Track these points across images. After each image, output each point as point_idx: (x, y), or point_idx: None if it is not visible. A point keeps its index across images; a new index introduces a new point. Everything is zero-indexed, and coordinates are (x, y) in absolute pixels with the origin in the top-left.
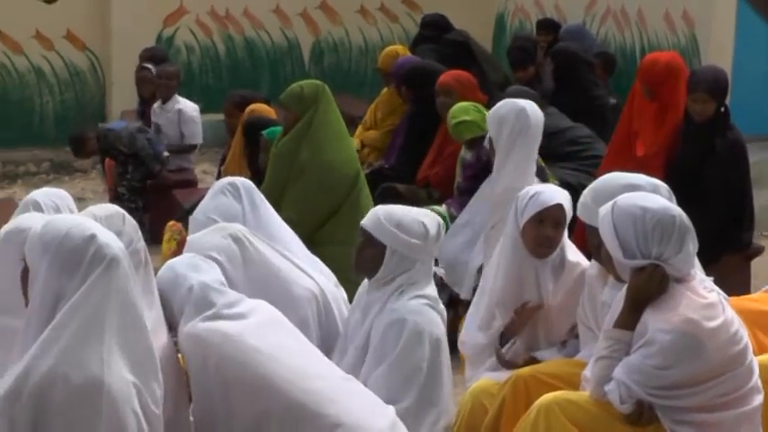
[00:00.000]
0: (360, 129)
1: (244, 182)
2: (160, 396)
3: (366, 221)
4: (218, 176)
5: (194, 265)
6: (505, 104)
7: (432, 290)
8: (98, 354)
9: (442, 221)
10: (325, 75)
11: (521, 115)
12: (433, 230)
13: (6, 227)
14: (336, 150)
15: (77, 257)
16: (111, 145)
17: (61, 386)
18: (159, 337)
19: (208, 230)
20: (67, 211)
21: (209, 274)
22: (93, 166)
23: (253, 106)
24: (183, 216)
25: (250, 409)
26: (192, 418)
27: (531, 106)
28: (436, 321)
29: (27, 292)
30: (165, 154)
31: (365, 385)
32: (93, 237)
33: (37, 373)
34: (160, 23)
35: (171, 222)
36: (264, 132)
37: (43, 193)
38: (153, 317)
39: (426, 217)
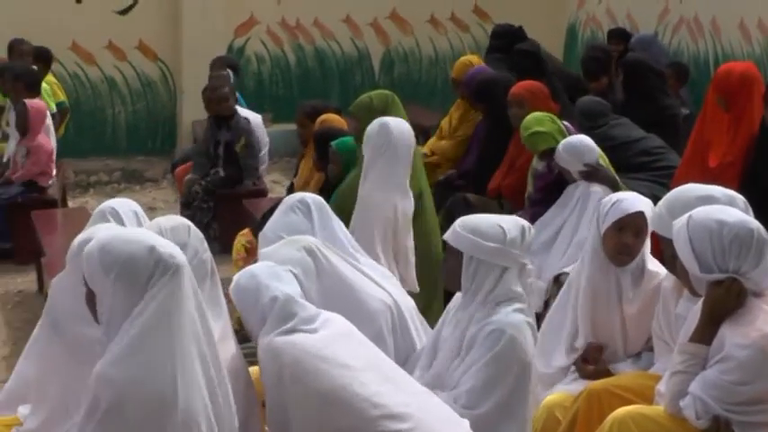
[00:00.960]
0: (434, 138)
1: (314, 199)
2: (231, 410)
3: (447, 234)
4: (291, 186)
5: (277, 275)
6: (374, 122)
7: (524, 304)
8: (170, 368)
9: (528, 225)
10: (395, 85)
11: (381, 132)
12: (513, 233)
13: (80, 236)
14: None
15: (141, 272)
16: (240, 131)
17: (133, 401)
18: (227, 348)
19: (281, 243)
20: (137, 222)
21: (292, 286)
22: (163, 176)
23: (324, 117)
24: (257, 226)
25: (323, 424)
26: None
27: (395, 123)
28: (530, 341)
29: (95, 313)
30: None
31: (453, 387)
32: (152, 249)
33: (110, 388)
34: (231, 34)
35: (245, 230)
36: (333, 143)
37: (119, 203)
38: (220, 327)
39: (507, 221)
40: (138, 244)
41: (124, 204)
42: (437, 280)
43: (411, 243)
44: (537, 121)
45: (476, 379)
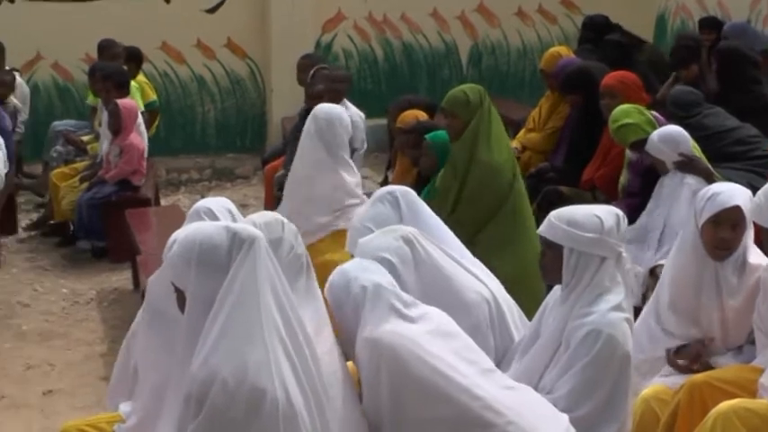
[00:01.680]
0: (522, 131)
1: (403, 190)
2: (323, 401)
3: (541, 228)
4: (385, 180)
5: (365, 267)
6: None
7: (622, 295)
8: (261, 347)
9: (621, 213)
10: (483, 78)
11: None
12: (609, 222)
13: (176, 234)
14: (498, 152)
15: (219, 250)
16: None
17: (233, 397)
18: (324, 340)
19: (379, 232)
20: (231, 220)
21: (381, 276)
22: (254, 173)
23: (405, 113)
24: None
25: (418, 415)
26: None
27: (320, 109)
28: (628, 336)
29: (183, 309)
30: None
31: (549, 390)
32: (225, 227)
33: (208, 385)
34: (319, 30)
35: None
36: (428, 137)
37: (214, 201)
38: (316, 319)
39: (601, 210)
40: (213, 227)
41: (218, 203)
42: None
43: None
44: (624, 113)
45: (574, 382)
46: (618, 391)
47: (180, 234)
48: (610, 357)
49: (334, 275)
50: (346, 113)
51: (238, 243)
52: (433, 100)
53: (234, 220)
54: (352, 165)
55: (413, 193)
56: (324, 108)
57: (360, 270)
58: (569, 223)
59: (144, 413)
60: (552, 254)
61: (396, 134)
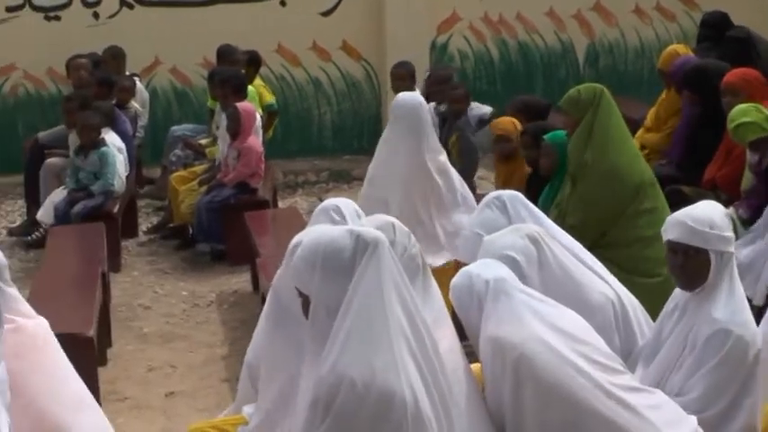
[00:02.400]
0: (641, 131)
1: (510, 194)
2: (448, 401)
3: (675, 235)
4: None
5: (486, 265)
6: None
7: (743, 293)
8: (388, 351)
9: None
10: (601, 77)
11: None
12: (728, 218)
13: (298, 236)
14: (618, 153)
15: (344, 254)
16: (455, 129)
17: (347, 391)
18: (445, 338)
19: (505, 231)
20: (357, 221)
21: (503, 270)
22: None
23: (500, 119)
24: None
25: (540, 414)
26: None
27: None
28: (758, 335)
29: (307, 313)
30: None
31: (676, 393)
32: (350, 231)
33: (325, 377)
34: (434, 31)
35: None
36: (547, 137)
37: (343, 201)
38: (436, 318)
39: (718, 207)
40: (336, 230)
41: (346, 202)
42: None
43: None
44: (742, 111)
45: (704, 385)
46: (748, 389)
47: (303, 238)
48: (739, 357)
49: (456, 278)
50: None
51: (362, 246)
52: (548, 100)
53: (360, 219)
54: None
55: (521, 196)
56: None
57: (482, 267)
58: (712, 226)
59: (266, 414)
60: (697, 261)
61: (495, 141)
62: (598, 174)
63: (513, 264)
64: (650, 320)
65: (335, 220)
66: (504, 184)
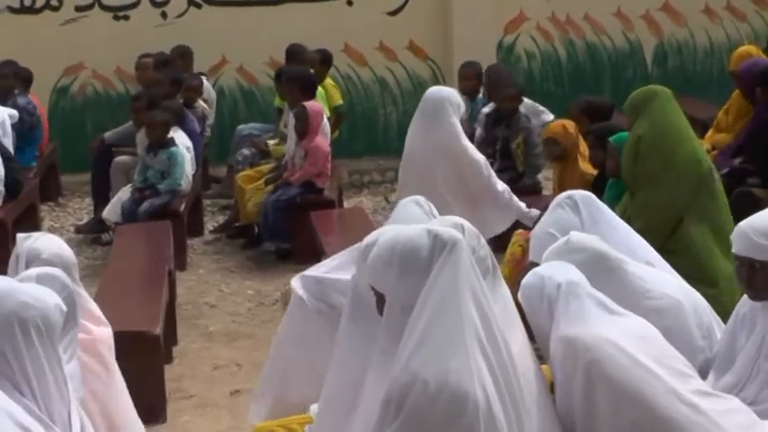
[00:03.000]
0: (711, 131)
1: (582, 194)
2: (520, 404)
3: (739, 247)
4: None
5: (560, 267)
6: None
7: None
8: (463, 355)
9: None
10: (668, 77)
11: None
12: None
13: (371, 236)
14: (673, 152)
15: (421, 252)
16: (519, 129)
17: (419, 390)
18: (515, 340)
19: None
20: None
21: (576, 274)
22: None
23: (553, 124)
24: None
25: (611, 416)
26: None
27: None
28: None
29: (381, 311)
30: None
31: (752, 401)
32: (428, 231)
33: (399, 377)
34: (501, 31)
35: (519, 231)
36: (612, 139)
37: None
38: (506, 319)
39: None
40: (414, 229)
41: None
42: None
43: None
44: None
45: None
46: None
47: (378, 236)
48: None
49: (527, 278)
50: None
51: (440, 246)
52: (612, 101)
53: (434, 215)
54: None
55: (592, 197)
56: None
57: (553, 269)
58: None
59: (333, 410)
60: (763, 272)
61: (543, 143)
62: (653, 176)
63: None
64: (722, 323)
65: (424, 209)
66: (559, 185)
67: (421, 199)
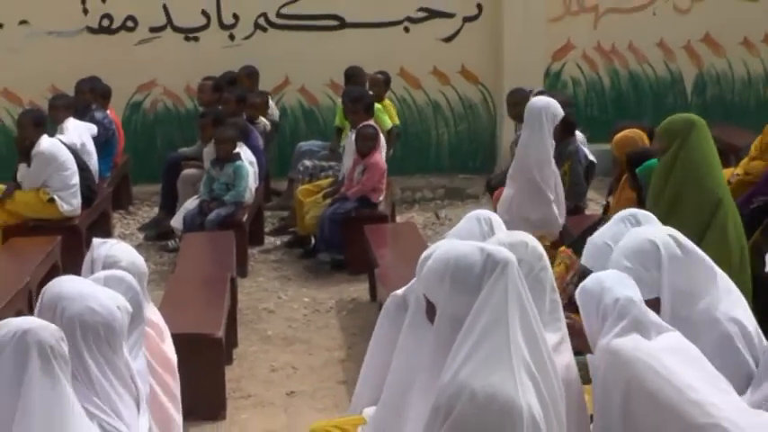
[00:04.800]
0: (746, 159)
1: (645, 214)
2: (563, 420)
3: None
4: (607, 205)
5: (621, 281)
6: None
7: None
8: (508, 367)
9: None
10: (707, 106)
11: None
12: None
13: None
14: (700, 179)
15: (473, 270)
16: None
17: (466, 401)
18: (563, 358)
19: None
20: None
21: (634, 291)
22: (483, 193)
23: (624, 133)
24: (573, 243)
25: (648, 426)
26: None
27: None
28: None
29: (432, 320)
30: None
31: None
32: (481, 249)
33: (447, 387)
34: (549, 58)
35: (562, 248)
36: (638, 170)
37: (494, 215)
38: (558, 337)
39: None
40: (468, 246)
41: (497, 217)
42: None
43: None
44: None
45: None
46: None
47: (436, 250)
48: None
49: (588, 280)
50: None
51: (492, 265)
52: (650, 126)
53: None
54: None
55: (654, 217)
56: None
57: (615, 282)
58: None
59: (384, 416)
60: None
61: (616, 162)
62: (679, 195)
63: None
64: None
65: (483, 229)
66: (615, 203)
67: (484, 215)
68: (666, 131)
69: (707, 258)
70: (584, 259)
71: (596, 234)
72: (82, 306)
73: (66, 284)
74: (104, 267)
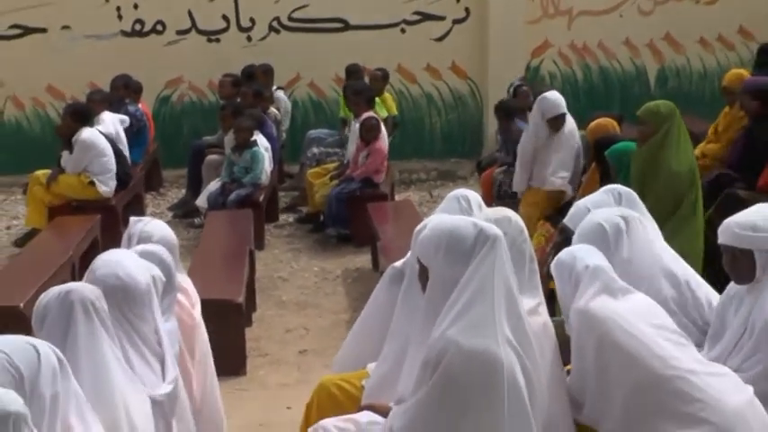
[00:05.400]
0: (703, 142)
1: (626, 190)
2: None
3: (723, 239)
4: (578, 187)
5: (590, 252)
6: None
7: None
8: (494, 328)
9: None
10: (668, 96)
11: None
12: None
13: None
14: (679, 163)
15: (465, 242)
16: None
17: (454, 353)
18: (540, 315)
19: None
20: (479, 209)
21: (602, 260)
22: (471, 174)
23: (596, 121)
24: (549, 217)
25: (618, 378)
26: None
27: None
28: None
29: (425, 287)
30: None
31: (735, 370)
32: (474, 223)
33: (437, 342)
34: (528, 56)
35: (541, 222)
36: (606, 153)
37: (469, 191)
38: (536, 301)
39: (763, 210)
40: (462, 221)
41: (474, 195)
42: None
43: None
44: None
45: (766, 362)
46: None
47: (433, 220)
48: None
49: (562, 254)
50: None
51: (483, 239)
52: (620, 114)
53: (479, 211)
54: None
55: (634, 194)
56: None
57: (585, 253)
58: (754, 229)
59: (383, 371)
60: (744, 259)
61: (589, 147)
62: (665, 177)
63: (602, 233)
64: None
65: (462, 206)
66: (585, 183)
67: (463, 194)
68: (654, 116)
69: (655, 238)
70: (567, 219)
71: (582, 200)
72: (107, 272)
73: (107, 254)
74: (140, 242)
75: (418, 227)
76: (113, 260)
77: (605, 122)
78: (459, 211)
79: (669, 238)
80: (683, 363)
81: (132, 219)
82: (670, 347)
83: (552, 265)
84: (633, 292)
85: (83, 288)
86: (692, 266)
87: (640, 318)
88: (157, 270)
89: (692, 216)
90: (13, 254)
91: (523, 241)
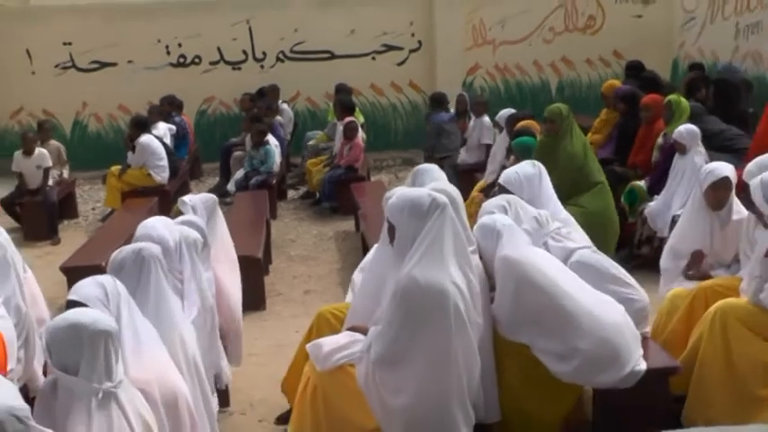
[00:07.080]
0: (590, 134)
1: (538, 164)
2: (475, 301)
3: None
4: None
5: (504, 216)
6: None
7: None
8: (443, 268)
9: None
10: (565, 101)
11: None
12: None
13: (387, 193)
14: (573, 145)
15: (423, 206)
16: None
17: (414, 286)
18: (476, 267)
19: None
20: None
21: (513, 221)
22: (424, 161)
23: (523, 122)
24: (483, 190)
25: (528, 305)
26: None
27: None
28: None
29: (392, 239)
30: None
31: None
32: (428, 193)
33: (402, 278)
34: (465, 74)
35: (476, 193)
36: (512, 143)
37: (431, 166)
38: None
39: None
40: (420, 191)
41: (433, 167)
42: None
43: None
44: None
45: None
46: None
47: (399, 191)
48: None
49: (483, 219)
50: None
51: (435, 205)
52: (531, 114)
53: (435, 177)
54: None
55: (545, 171)
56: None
57: (501, 217)
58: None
59: (364, 302)
60: None
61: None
62: (568, 156)
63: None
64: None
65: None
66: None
67: (432, 168)
68: (557, 115)
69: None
70: (501, 179)
71: (513, 167)
72: (143, 233)
73: (152, 220)
74: (186, 212)
75: (386, 194)
76: (151, 225)
77: (530, 124)
78: (412, 185)
79: (580, 193)
80: (585, 299)
81: (180, 199)
82: (573, 286)
83: (476, 229)
84: (535, 245)
85: (151, 247)
86: (605, 218)
87: (547, 262)
88: (196, 233)
89: (599, 180)
90: (98, 226)
91: (457, 208)
